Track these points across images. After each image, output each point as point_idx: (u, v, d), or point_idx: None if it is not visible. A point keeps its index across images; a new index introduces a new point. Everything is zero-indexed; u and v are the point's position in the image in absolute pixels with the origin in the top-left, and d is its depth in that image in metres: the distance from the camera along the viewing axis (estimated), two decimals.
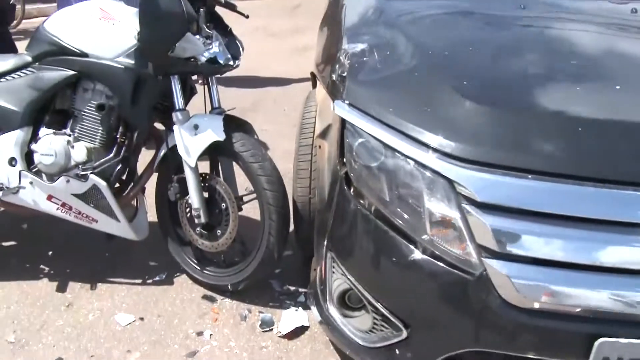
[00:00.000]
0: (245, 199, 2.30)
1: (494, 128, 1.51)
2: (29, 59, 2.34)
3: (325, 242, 1.83)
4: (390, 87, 1.74)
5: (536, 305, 1.43)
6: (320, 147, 2.09)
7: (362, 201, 1.67)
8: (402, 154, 1.55)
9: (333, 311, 1.85)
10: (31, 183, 2.32)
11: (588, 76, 1.73)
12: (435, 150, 1.50)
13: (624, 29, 2.15)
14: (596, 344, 1.40)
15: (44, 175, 2.31)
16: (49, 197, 2.32)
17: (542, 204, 1.41)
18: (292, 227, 2.32)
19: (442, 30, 2.11)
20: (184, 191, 2.25)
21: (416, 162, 1.52)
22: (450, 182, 1.46)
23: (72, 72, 2.24)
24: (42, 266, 2.60)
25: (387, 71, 1.80)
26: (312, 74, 2.61)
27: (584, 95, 1.62)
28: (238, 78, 4.92)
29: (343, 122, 1.73)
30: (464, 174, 1.44)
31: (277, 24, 7.22)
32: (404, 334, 1.61)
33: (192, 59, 2.13)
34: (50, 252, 2.70)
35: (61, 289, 2.44)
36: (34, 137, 2.32)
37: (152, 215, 2.51)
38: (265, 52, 6.00)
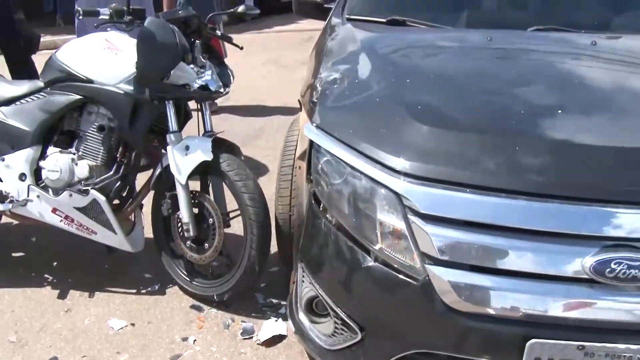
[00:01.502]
0: (231, 215, 2.48)
1: (437, 147, 1.68)
2: (41, 84, 2.58)
3: (298, 254, 2.00)
4: (353, 111, 1.92)
5: (474, 309, 1.56)
6: (300, 167, 2.26)
7: (327, 215, 1.84)
8: (359, 171, 1.72)
9: (302, 317, 2.00)
10: (38, 196, 2.53)
11: (528, 101, 1.89)
12: (385, 167, 1.66)
13: (579, 58, 2.31)
14: (527, 344, 1.53)
15: (49, 190, 2.52)
16: (54, 210, 2.53)
17: (478, 215, 1.55)
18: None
19: (408, 61, 2.30)
20: (175, 207, 2.43)
21: (370, 178, 1.68)
22: (397, 195, 1.62)
23: (78, 97, 2.46)
24: (46, 275, 2.80)
25: (352, 97, 1.98)
26: (299, 100, 2.81)
27: (521, 117, 1.77)
28: (246, 107, 5.17)
29: (312, 142, 1.91)
30: (409, 188, 1.60)
31: (288, 56, 7.48)
32: (359, 336, 1.75)
33: (186, 86, 2.34)
34: (54, 263, 2.90)
35: (62, 295, 2.63)
36: (43, 155, 2.54)
37: (148, 231, 2.69)
38: (274, 83, 6.24)
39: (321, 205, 1.87)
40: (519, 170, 1.60)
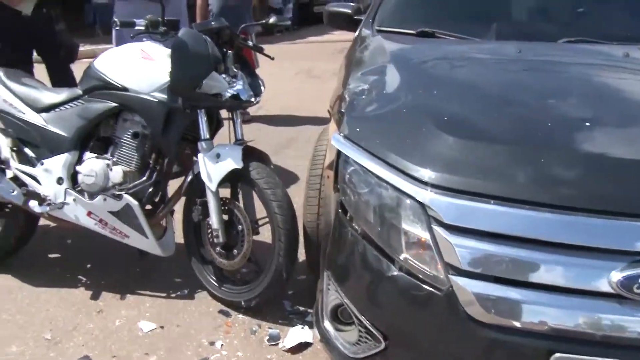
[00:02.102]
0: (260, 222, 2.52)
1: (463, 158, 1.68)
2: (80, 92, 2.67)
3: (324, 262, 2.03)
4: (381, 122, 1.94)
5: (497, 321, 1.56)
6: (328, 177, 2.29)
7: (353, 225, 1.86)
8: (385, 181, 1.73)
9: (328, 325, 2.02)
10: (74, 200, 2.61)
11: (555, 113, 1.89)
12: (411, 177, 1.67)
13: (610, 70, 2.30)
14: (552, 359, 1.52)
15: (85, 194, 2.60)
16: (89, 213, 2.61)
17: (503, 227, 1.56)
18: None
19: (436, 72, 2.32)
20: (206, 213, 2.48)
21: (396, 188, 1.70)
22: (422, 205, 1.63)
23: (114, 104, 2.54)
24: (80, 276, 2.88)
25: (380, 108, 2.01)
26: (328, 110, 2.84)
27: (547, 129, 1.77)
28: (277, 117, 5.23)
29: (339, 152, 1.94)
30: (434, 199, 1.61)
31: (320, 66, 7.54)
32: (383, 345, 1.77)
33: (218, 95, 2.39)
34: (88, 265, 2.98)
35: (94, 297, 2.71)
36: (79, 160, 2.63)
37: (179, 236, 2.75)
38: (306, 93, 6.30)
39: (348, 215, 1.89)
40: (546, 182, 1.60)
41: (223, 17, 4.75)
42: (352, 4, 3.32)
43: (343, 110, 2.08)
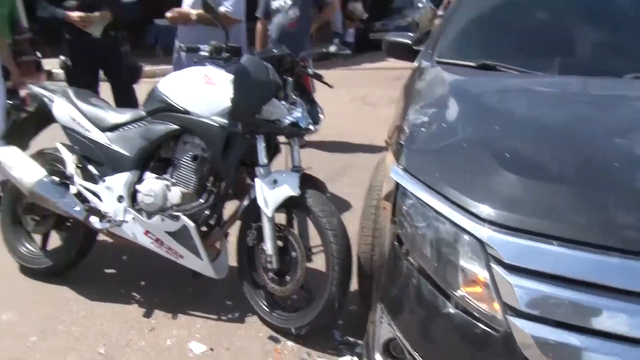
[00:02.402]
0: (314, 250, 2.52)
1: (524, 196, 1.65)
2: (143, 113, 2.75)
3: (378, 294, 2.01)
4: (440, 155, 1.93)
5: None
6: (384, 208, 2.28)
7: (409, 258, 1.84)
8: (443, 216, 1.71)
9: (378, 358, 1.99)
10: (133, 218, 2.68)
11: (623, 152, 1.83)
12: (470, 213, 1.65)
13: None
14: None
15: (143, 213, 2.66)
16: (146, 232, 2.67)
17: (566, 269, 1.51)
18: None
19: (498, 107, 2.27)
20: (260, 238, 2.51)
21: (454, 223, 1.68)
22: (481, 243, 1.60)
23: (176, 127, 2.60)
24: (134, 293, 2.94)
25: (440, 141, 1.99)
26: (386, 141, 2.83)
27: (614, 169, 1.71)
28: (332, 143, 5.25)
29: (397, 185, 1.93)
30: (494, 237, 1.58)
31: (375, 93, 7.55)
32: None
33: (277, 121, 2.42)
34: (142, 282, 3.05)
35: (147, 314, 2.76)
36: (140, 180, 2.70)
37: (232, 259, 2.78)
38: (360, 120, 6.32)
39: (404, 248, 1.88)
40: (612, 225, 1.54)
41: (281, 43, 4.88)
42: (412, 35, 3.33)
43: (402, 142, 2.07)
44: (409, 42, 3.15)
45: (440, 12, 11.27)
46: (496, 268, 1.57)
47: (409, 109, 2.33)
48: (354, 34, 13.91)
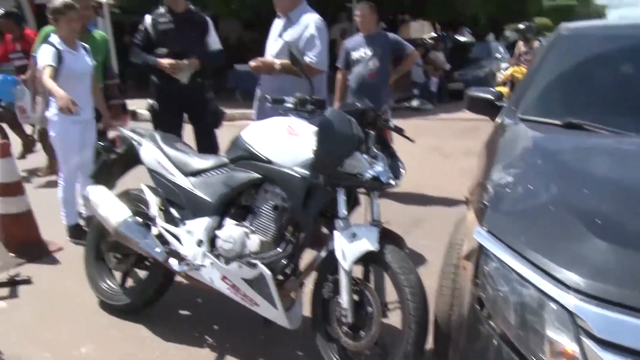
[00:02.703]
0: (390, 306, 2.48)
1: (620, 267, 1.57)
2: (226, 160, 2.82)
3: (455, 356, 1.95)
4: (526, 218, 1.88)
5: None
6: (464, 268, 2.23)
7: (491, 322, 1.78)
8: (528, 281, 1.66)
9: None
10: (211, 263, 2.73)
11: None
12: (557, 280, 1.59)
13: None
14: None
15: (222, 258, 2.71)
16: (223, 278, 2.71)
17: None
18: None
19: (587, 168, 2.20)
20: (336, 291, 2.49)
21: (540, 290, 1.62)
22: (570, 313, 1.53)
23: (257, 175, 2.66)
24: (207, 336, 2.98)
25: (525, 203, 1.94)
26: (466, 197, 2.79)
27: None
28: (407, 194, 5.21)
29: (481, 246, 1.89)
30: (584, 307, 1.51)
31: (452, 144, 7.50)
32: None
33: (358, 175, 2.43)
34: (216, 326, 3.08)
35: (219, 358, 2.77)
36: (219, 225, 2.75)
37: (306, 309, 2.77)
38: (435, 171, 6.27)
39: (485, 311, 1.82)
40: None
41: (360, 93, 4.96)
42: (494, 90, 3.30)
43: (486, 202, 2.04)
44: (491, 97, 3.13)
45: (506, 65, 11.22)
46: (587, 342, 1.50)
47: (492, 167, 2.30)
48: (437, 84, 13.91)
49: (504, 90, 10.01)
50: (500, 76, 10.59)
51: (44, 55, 3.96)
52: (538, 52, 3.35)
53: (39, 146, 6.91)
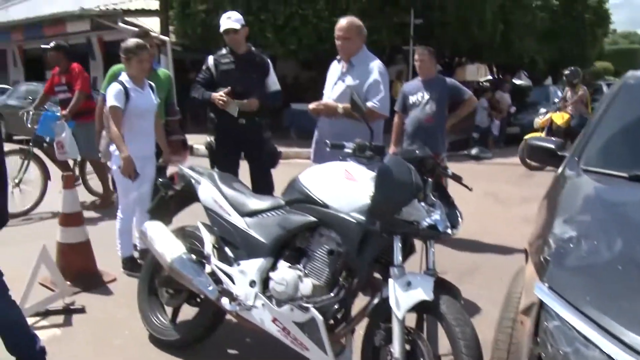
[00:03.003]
0: (443, 358, 2.41)
1: None
2: (282, 202, 2.84)
3: None
4: (590, 276, 1.81)
5: None
6: (522, 322, 2.16)
7: None
8: (592, 343, 1.59)
9: None
10: (263, 305, 2.73)
11: None
12: (624, 343, 1.52)
13: None
14: None
15: (273, 300, 2.70)
16: (274, 320, 2.70)
17: None
18: None
19: None
20: (388, 340, 2.44)
21: (605, 353, 1.55)
22: None
23: (313, 219, 2.66)
24: None
25: (590, 260, 1.88)
26: (526, 249, 2.71)
27: None
28: (461, 240, 5.11)
29: (541, 303, 1.82)
30: None
31: (507, 190, 7.35)
32: None
33: (415, 223, 2.40)
34: None
35: None
36: (273, 267, 2.76)
37: (356, 355, 2.71)
38: (491, 218, 6.15)
39: None
40: None
41: (417, 137, 4.94)
42: (555, 139, 3.23)
43: (548, 257, 1.98)
44: (553, 147, 3.06)
45: (544, 110, 10.90)
46: None
47: (554, 220, 2.24)
48: (499, 127, 13.73)
49: (539, 135, 9.78)
50: (538, 121, 10.31)
51: (112, 95, 4.13)
52: (602, 100, 3.26)
53: (79, 180, 7.09)
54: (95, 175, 6.93)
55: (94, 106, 6.04)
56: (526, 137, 9.60)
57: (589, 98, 10.57)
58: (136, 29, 15.77)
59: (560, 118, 9.95)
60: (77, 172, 7.14)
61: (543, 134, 9.67)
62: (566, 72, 10.72)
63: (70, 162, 6.90)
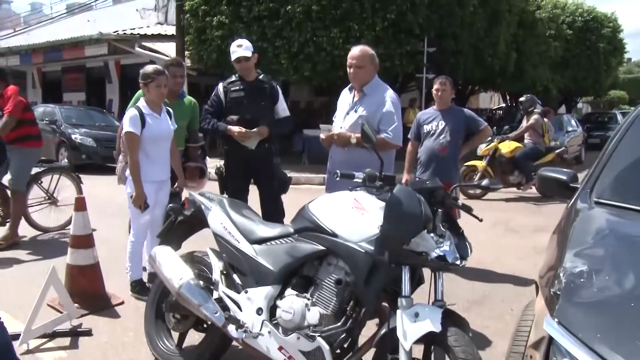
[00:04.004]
0: None
1: None
2: (291, 230, 2.83)
3: None
4: (603, 313, 1.78)
5: None
6: (531, 357, 2.12)
7: None
8: None
9: None
10: (269, 332, 2.71)
11: None
12: None
13: None
14: None
15: (280, 328, 2.68)
16: (280, 348, 2.68)
17: None
18: None
19: None
20: None
21: None
22: None
23: (322, 248, 2.65)
24: None
25: (602, 296, 1.85)
26: (536, 283, 2.68)
27: None
28: (471, 269, 5.06)
29: (551, 338, 1.79)
30: None
31: (518, 219, 7.29)
32: None
33: (424, 254, 2.39)
34: None
35: None
36: (281, 295, 2.74)
37: None
38: (502, 247, 6.09)
39: None
40: None
41: (430, 166, 4.94)
42: (568, 170, 3.20)
43: (558, 291, 1.95)
44: (564, 178, 3.03)
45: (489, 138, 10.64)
46: None
47: (565, 254, 2.21)
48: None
49: (479, 164, 9.35)
50: (482, 148, 9.51)
51: (128, 120, 4.17)
52: (616, 130, 3.23)
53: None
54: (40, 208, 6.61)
55: (36, 132, 6.11)
56: (466, 163, 9.34)
57: (546, 127, 9.99)
58: (151, 53, 15.99)
59: (506, 147, 9.57)
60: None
61: (484, 163, 9.40)
62: (522, 99, 10.26)
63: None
